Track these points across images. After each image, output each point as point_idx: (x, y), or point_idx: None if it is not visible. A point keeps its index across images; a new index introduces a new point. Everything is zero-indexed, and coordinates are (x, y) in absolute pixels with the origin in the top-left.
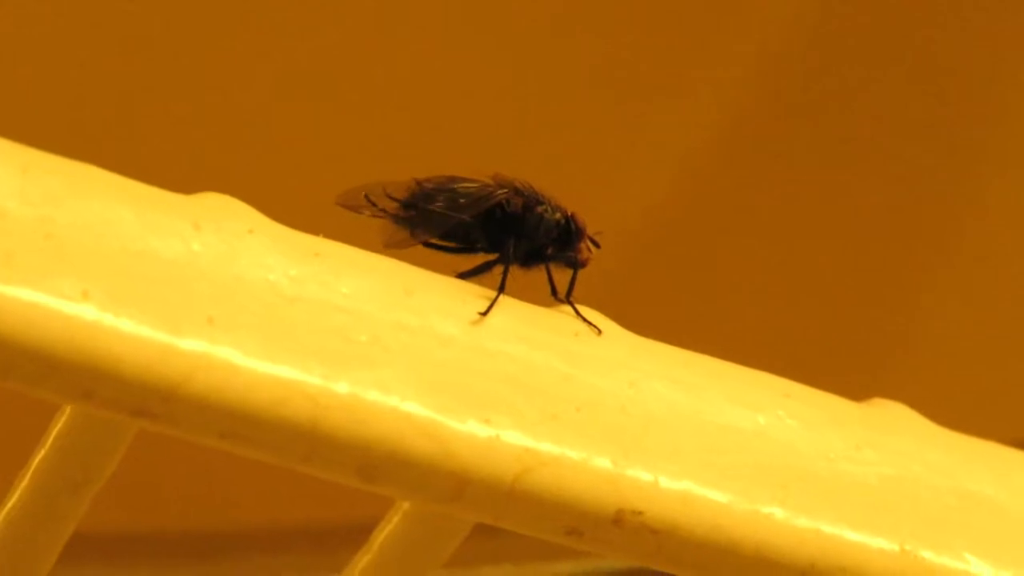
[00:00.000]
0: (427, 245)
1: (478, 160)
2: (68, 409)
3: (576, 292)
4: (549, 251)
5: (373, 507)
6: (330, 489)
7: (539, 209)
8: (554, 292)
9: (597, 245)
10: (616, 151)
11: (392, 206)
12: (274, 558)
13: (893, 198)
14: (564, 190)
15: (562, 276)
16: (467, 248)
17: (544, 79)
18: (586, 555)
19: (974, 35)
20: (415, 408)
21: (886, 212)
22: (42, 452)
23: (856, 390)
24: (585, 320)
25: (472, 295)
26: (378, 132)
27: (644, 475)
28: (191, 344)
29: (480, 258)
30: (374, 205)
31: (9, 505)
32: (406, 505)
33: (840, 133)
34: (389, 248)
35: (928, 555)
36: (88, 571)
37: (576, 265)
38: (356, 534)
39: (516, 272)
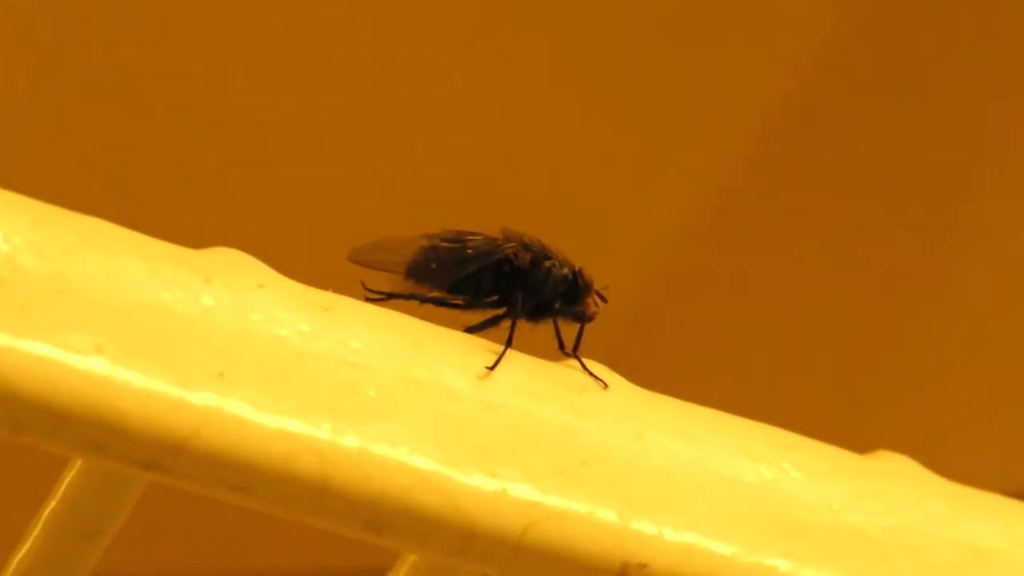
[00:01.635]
0: (435, 303)
1: (495, 210)
2: (78, 461)
3: (582, 346)
4: (556, 306)
5: (382, 555)
6: (339, 537)
7: (547, 264)
8: (561, 346)
9: (604, 300)
10: (618, 204)
11: (401, 261)
12: None
13: (896, 250)
14: (570, 241)
15: (569, 330)
16: (474, 303)
17: (551, 114)
18: None
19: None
20: (423, 462)
21: (890, 264)
22: (52, 503)
23: (859, 443)
24: (591, 374)
25: (480, 349)
26: (390, 186)
27: (649, 528)
28: (201, 398)
29: (488, 312)
30: (384, 270)
31: (20, 555)
32: (413, 557)
33: (844, 179)
34: (396, 298)
35: None
36: None
37: (583, 319)
38: None
39: (523, 326)
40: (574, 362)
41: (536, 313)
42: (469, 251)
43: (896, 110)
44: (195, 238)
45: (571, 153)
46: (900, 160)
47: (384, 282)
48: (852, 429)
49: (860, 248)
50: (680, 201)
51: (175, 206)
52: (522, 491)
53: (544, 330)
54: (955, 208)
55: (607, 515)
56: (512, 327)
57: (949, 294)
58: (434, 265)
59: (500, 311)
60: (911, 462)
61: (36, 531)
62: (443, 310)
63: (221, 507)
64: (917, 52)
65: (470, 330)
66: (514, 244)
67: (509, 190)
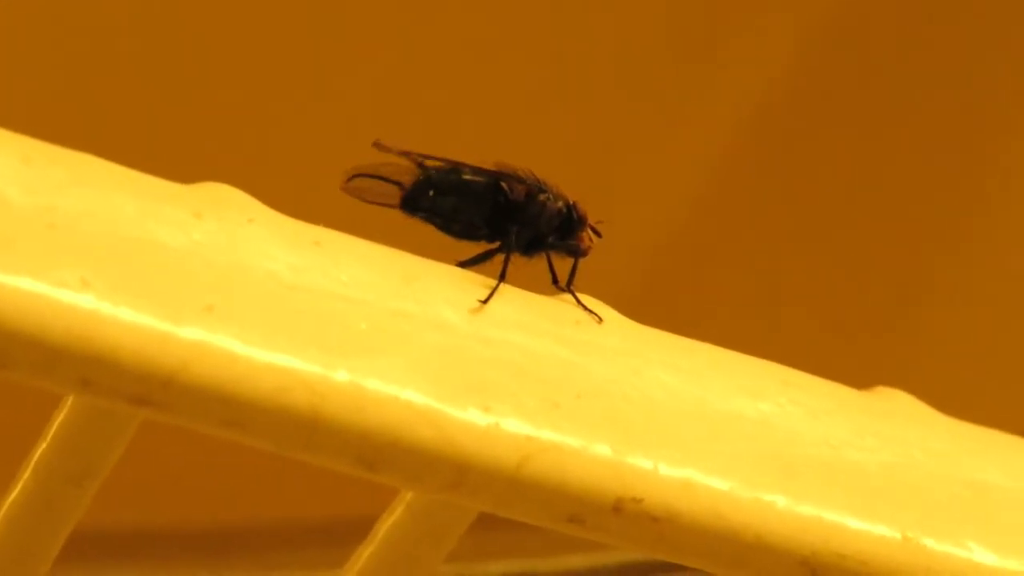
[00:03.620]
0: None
1: (489, 156)
2: (69, 401)
3: (584, 285)
4: (550, 239)
5: (377, 501)
6: (334, 483)
7: (541, 197)
8: (555, 280)
9: (598, 234)
10: (624, 152)
11: (395, 189)
12: (278, 553)
13: (898, 187)
14: (572, 187)
15: (563, 265)
16: (468, 233)
17: (560, 77)
18: (596, 549)
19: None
20: (415, 396)
21: (891, 201)
22: (43, 445)
23: (859, 378)
24: (586, 308)
25: (472, 283)
26: (382, 124)
27: (644, 462)
28: (190, 332)
29: (481, 246)
30: (385, 180)
31: (10, 499)
32: (408, 496)
33: (847, 127)
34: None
35: (930, 543)
36: (90, 568)
37: (577, 254)
38: (360, 528)
39: (517, 260)
40: (568, 297)
41: (530, 247)
42: (465, 181)
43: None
44: (185, 173)
45: (579, 98)
46: (914, 101)
47: (374, 215)
48: (851, 365)
49: (863, 181)
50: (679, 147)
51: (165, 141)
52: (516, 425)
53: (538, 264)
54: (963, 143)
55: (602, 449)
56: (506, 261)
57: (955, 228)
58: (432, 192)
59: (493, 245)
60: (911, 398)
61: (26, 474)
62: (435, 244)
63: (213, 456)
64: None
65: (463, 264)
66: (509, 176)
67: (510, 122)
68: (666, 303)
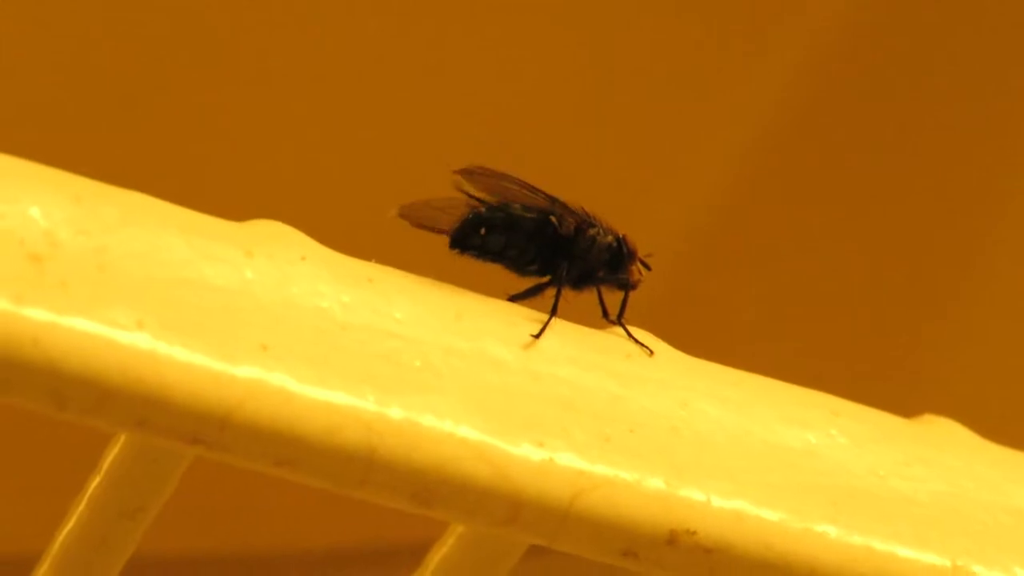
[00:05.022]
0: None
1: (522, 169)
2: (122, 436)
3: (627, 313)
4: (600, 273)
5: (429, 529)
6: (385, 512)
7: (591, 232)
8: (605, 314)
9: (648, 267)
10: (657, 171)
11: (449, 220)
12: None
13: (941, 211)
14: (610, 207)
15: (613, 298)
16: (518, 269)
17: (585, 84)
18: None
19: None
20: (469, 432)
21: (938, 227)
22: (97, 479)
23: (906, 407)
24: (637, 341)
25: (524, 318)
26: (431, 153)
27: (697, 495)
28: (245, 371)
29: (531, 281)
30: (430, 229)
31: (65, 531)
32: (460, 528)
33: (890, 142)
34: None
35: (979, 570)
36: None
37: (627, 287)
38: (411, 556)
39: (567, 294)
40: (619, 330)
41: (580, 281)
42: (515, 217)
43: (933, 54)
44: (236, 211)
45: (603, 121)
46: (938, 119)
47: (425, 252)
48: (898, 393)
49: (907, 203)
50: (718, 165)
51: (216, 179)
52: (569, 460)
53: (588, 298)
54: (1003, 154)
55: (655, 482)
56: (557, 295)
57: (994, 256)
58: (483, 231)
59: (544, 279)
60: (958, 426)
61: (81, 507)
62: (486, 280)
63: (266, 486)
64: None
65: (514, 299)
66: (559, 211)
67: (525, 133)
68: (706, 332)
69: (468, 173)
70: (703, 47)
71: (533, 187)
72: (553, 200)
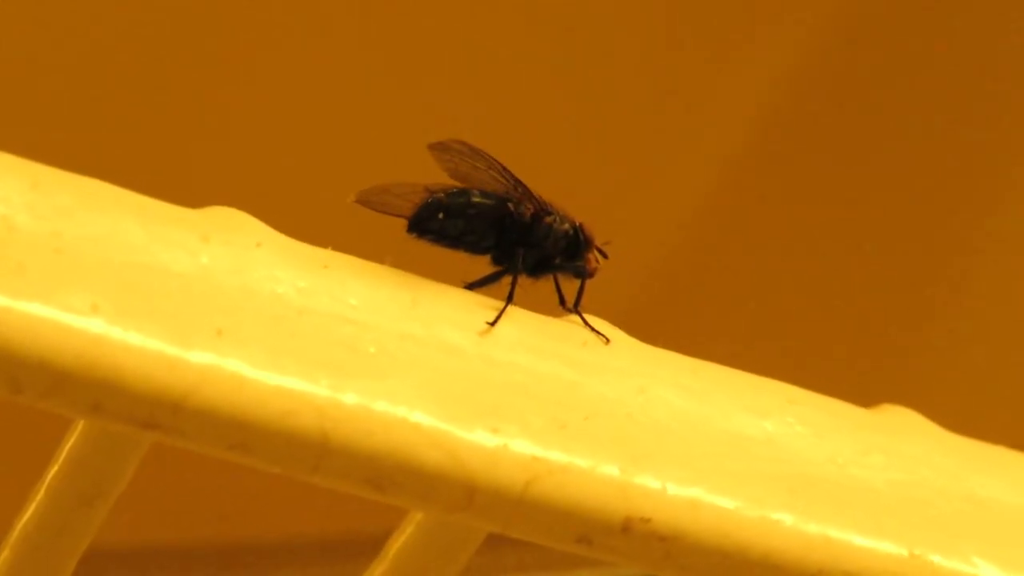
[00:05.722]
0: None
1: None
2: (80, 423)
3: (588, 304)
4: (557, 261)
5: (388, 519)
6: (344, 501)
7: (548, 219)
8: (562, 302)
9: (605, 256)
10: (626, 167)
11: (408, 207)
12: (289, 571)
13: (903, 204)
14: (575, 202)
15: (570, 286)
16: (474, 252)
17: (575, 84)
18: (606, 564)
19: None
20: (423, 418)
21: (896, 218)
22: (55, 467)
23: (864, 396)
24: (593, 329)
25: (480, 305)
26: (390, 142)
27: (652, 482)
28: (199, 356)
29: (488, 268)
30: (389, 213)
31: (24, 519)
32: (419, 516)
33: (853, 140)
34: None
35: (937, 559)
36: None
37: (584, 275)
38: (371, 546)
39: (524, 282)
40: (575, 318)
41: (537, 269)
42: (473, 203)
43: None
44: (193, 198)
45: (587, 120)
46: (915, 119)
47: (381, 238)
48: (857, 383)
49: (868, 197)
50: (679, 160)
51: (173, 166)
52: (524, 446)
53: (545, 286)
54: (971, 151)
55: (610, 469)
56: (513, 283)
57: (959, 245)
58: (441, 215)
59: (500, 267)
60: (916, 415)
61: (40, 495)
62: (442, 266)
63: (225, 476)
64: None
65: (470, 286)
66: (516, 198)
67: (511, 134)
68: (666, 319)
69: (444, 148)
70: (694, 48)
71: (503, 168)
72: (516, 184)
